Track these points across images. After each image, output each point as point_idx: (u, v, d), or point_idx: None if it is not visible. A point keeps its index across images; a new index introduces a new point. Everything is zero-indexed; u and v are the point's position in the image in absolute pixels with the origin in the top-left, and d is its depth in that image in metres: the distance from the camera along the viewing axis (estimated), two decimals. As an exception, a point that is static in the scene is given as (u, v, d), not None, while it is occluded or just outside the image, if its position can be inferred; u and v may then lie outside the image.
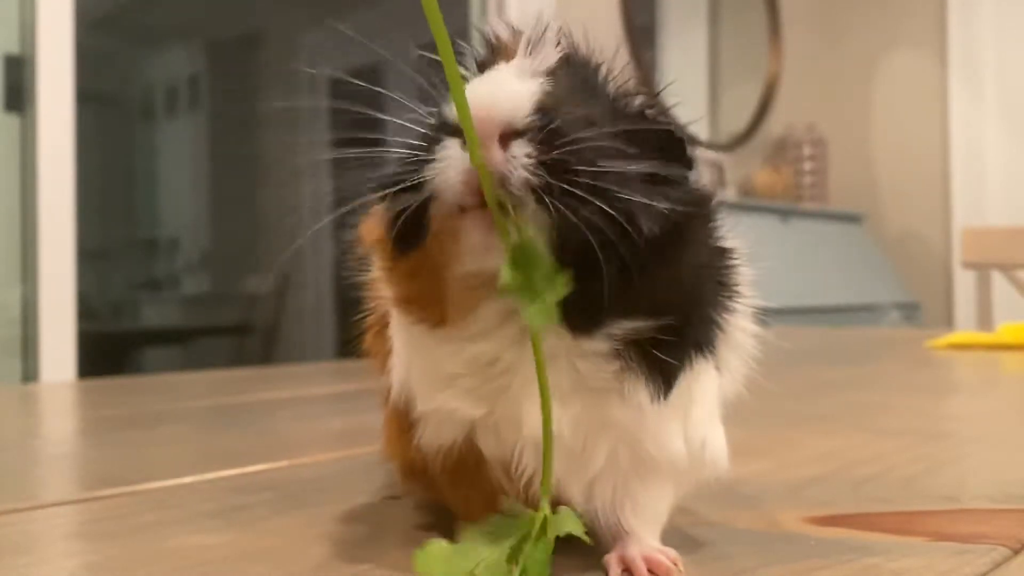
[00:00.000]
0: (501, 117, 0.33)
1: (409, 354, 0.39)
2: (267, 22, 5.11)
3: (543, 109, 0.34)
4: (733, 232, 0.40)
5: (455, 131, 0.34)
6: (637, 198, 0.33)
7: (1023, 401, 0.97)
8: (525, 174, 0.32)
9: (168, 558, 0.40)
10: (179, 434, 0.80)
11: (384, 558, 0.39)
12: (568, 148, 0.33)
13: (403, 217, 0.35)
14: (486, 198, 0.33)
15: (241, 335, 4.69)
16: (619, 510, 0.37)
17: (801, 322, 2.87)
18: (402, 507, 0.48)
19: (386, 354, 0.42)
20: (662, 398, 0.35)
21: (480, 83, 0.35)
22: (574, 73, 0.37)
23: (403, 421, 0.40)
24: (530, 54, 0.36)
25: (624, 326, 0.34)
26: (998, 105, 3.98)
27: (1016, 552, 0.39)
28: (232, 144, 5.17)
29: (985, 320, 2.23)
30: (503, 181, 0.33)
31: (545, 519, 0.33)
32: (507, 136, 0.33)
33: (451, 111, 0.34)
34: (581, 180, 0.32)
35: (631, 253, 0.33)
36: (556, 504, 0.37)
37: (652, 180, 0.34)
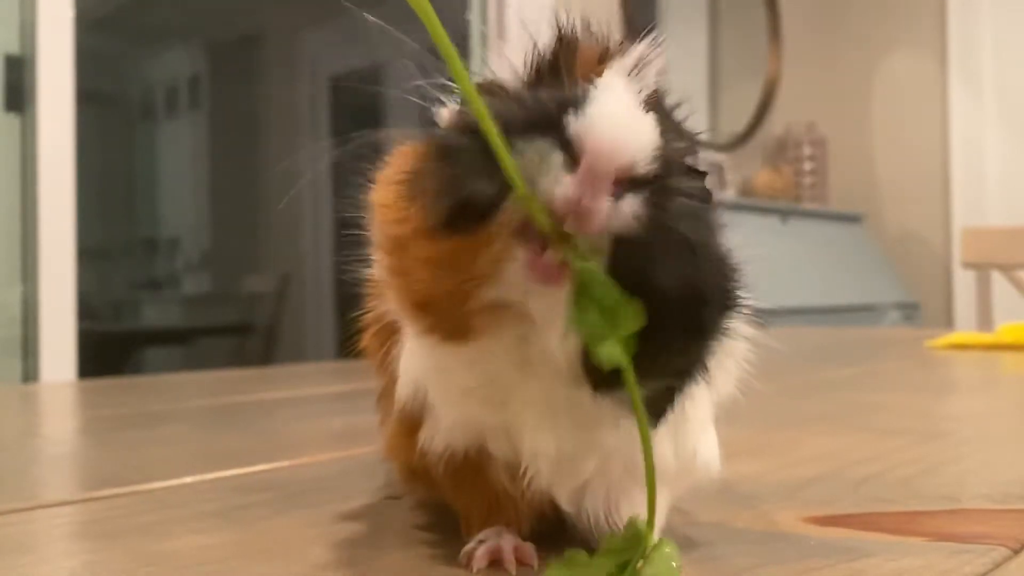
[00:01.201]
0: (624, 156, 0.28)
1: (422, 364, 0.37)
2: (267, 22, 5.11)
3: (666, 159, 0.30)
4: (738, 244, 0.39)
5: (561, 142, 0.29)
6: (721, 287, 0.31)
7: (1023, 401, 0.97)
8: (623, 223, 0.29)
9: (168, 558, 0.40)
10: (179, 434, 0.80)
11: (384, 558, 0.39)
12: (678, 211, 0.29)
13: (464, 188, 0.29)
14: (536, 219, 0.28)
15: (241, 335, 4.69)
16: (614, 512, 0.37)
17: (801, 322, 2.88)
18: (402, 507, 0.48)
19: (384, 353, 0.40)
20: (654, 427, 0.34)
21: (605, 102, 0.29)
22: (658, 106, 0.33)
23: (410, 424, 0.39)
24: (633, 75, 0.32)
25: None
26: (998, 105, 3.98)
27: (1016, 552, 0.39)
28: (232, 144, 5.17)
29: (985, 320, 2.23)
30: (591, 228, 0.28)
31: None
32: (622, 183, 0.29)
33: (570, 122, 0.29)
34: (678, 250, 0.29)
35: (677, 335, 0.30)
36: (550, 504, 0.37)
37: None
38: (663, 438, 0.36)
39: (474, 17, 3.02)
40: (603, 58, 0.33)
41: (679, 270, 0.29)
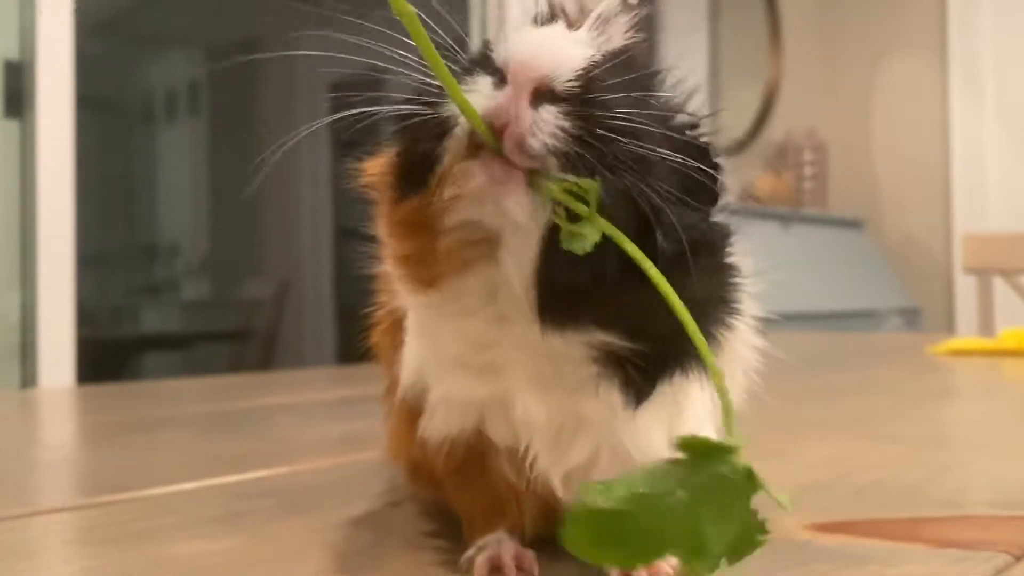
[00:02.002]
0: (542, 71, 0.31)
1: (419, 339, 0.38)
2: (266, 28, 5.12)
3: (589, 77, 0.32)
4: (740, 248, 0.39)
5: (492, 69, 0.32)
6: (668, 201, 0.31)
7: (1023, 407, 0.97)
8: (550, 141, 0.31)
9: (169, 564, 0.40)
10: (179, 440, 0.80)
11: (385, 564, 0.39)
12: (608, 124, 0.31)
13: (415, 152, 0.34)
14: (480, 133, 0.31)
15: (241, 340, 4.69)
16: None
17: (802, 328, 2.87)
18: (404, 513, 0.48)
19: (394, 349, 0.41)
20: (634, 407, 0.35)
21: (531, 32, 0.33)
22: (631, 64, 0.35)
23: (411, 414, 0.40)
24: (597, 29, 0.34)
25: (598, 337, 0.33)
26: (998, 110, 3.99)
27: (1017, 559, 0.39)
28: (232, 149, 5.18)
29: (986, 326, 2.23)
30: (521, 143, 0.31)
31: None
32: (541, 94, 0.31)
33: (498, 48, 0.32)
34: (611, 159, 0.31)
35: (633, 264, 0.31)
36: (551, 500, 0.37)
37: (684, 193, 0.33)
38: (656, 429, 0.36)
39: (474, 17, 3.03)
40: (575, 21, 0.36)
41: (614, 184, 0.31)
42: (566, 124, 0.31)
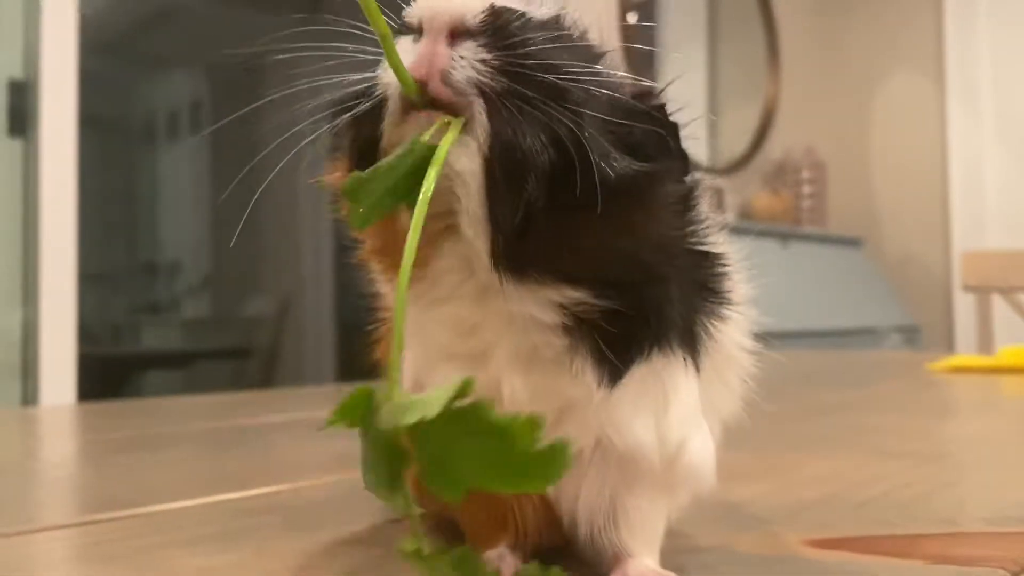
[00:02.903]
0: (451, 11, 0.32)
1: (411, 340, 0.37)
2: (269, 48, 5.14)
3: (499, 12, 0.32)
4: (724, 238, 0.38)
5: (410, 30, 0.33)
6: (598, 125, 0.31)
7: (1023, 424, 0.97)
8: (472, 73, 0.31)
9: (169, 581, 0.40)
10: (179, 457, 0.80)
11: (385, 581, 0.39)
12: (524, 51, 0.32)
13: (359, 133, 0.34)
14: (404, 88, 0.32)
15: (241, 358, 4.68)
16: (613, 529, 0.37)
17: (801, 345, 2.87)
18: (405, 529, 0.48)
19: None
20: (609, 385, 0.34)
21: None
22: (550, 31, 0.34)
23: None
24: None
25: (566, 294, 0.32)
26: (996, 128, 4.00)
27: None
28: (233, 168, 5.18)
29: (985, 343, 2.23)
30: (445, 78, 0.31)
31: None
32: (456, 34, 0.32)
33: (410, 10, 0.33)
34: (534, 88, 0.31)
35: (581, 193, 0.30)
36: (553, 511, 0.37)
37: (621, 121, 0.32)
38: (638, 417, 0.35)
39: None
40: None
41: (545, 107, 0.31)
42: (486, 56, 0.32)
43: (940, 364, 1.45)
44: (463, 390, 0.26)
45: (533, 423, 0.26)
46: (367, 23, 0.32)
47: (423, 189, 0.30)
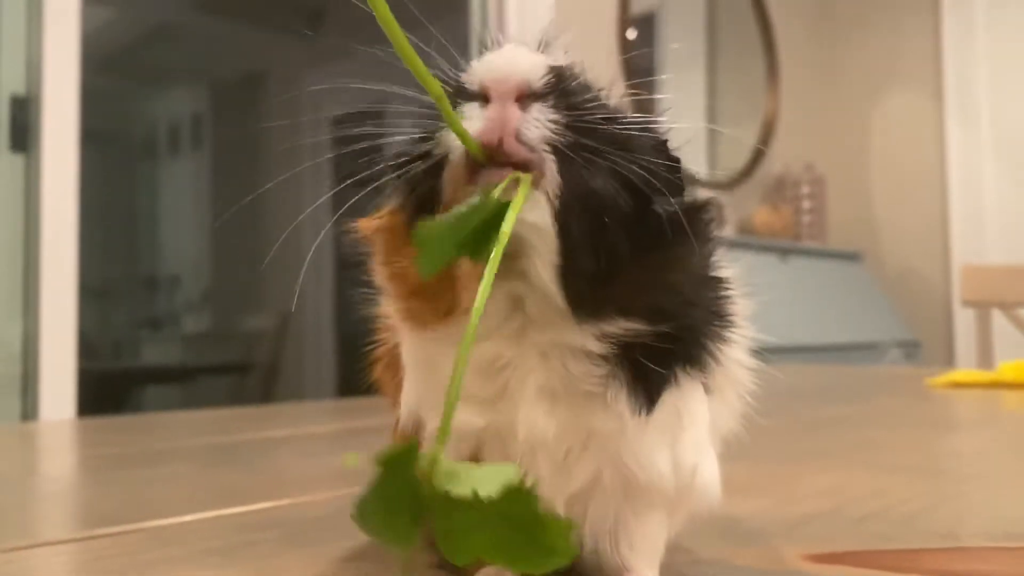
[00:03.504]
0: (519, 76, 0.33)
1: (418, 372, 0.38)
2: (270, 62, 5.17)
3: (560, 72, 0.34)
4: (727, 262, 0.39)
5: (472, 96, 0.34)
6: (657, 166, 0.33)
7: (1023, 439, 0.97)
8: (545, 132, 0.33)
9: (170, 596, 0.40)
10: (180, 472, 0.80)
11: (385, 595, 0.39)
12: (587, 107, 0.34)
13: (416, 188, 0.35)
14: (470, 150, 0.33)
15: (241, 373, 4.68)
16: (616, 546, 0.37)
17: (801, 360, 2.87)
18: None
19: (396, 385, 0.41)
20: (644, 412, 0.35)
21: (495, 52, 0.35)
22: (575, 78, 0.36)
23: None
24: (540, 49, 0.37)
25: (621, 324, 0.34)
26: (995, 143, 4.02)
27: (1016, 589, 0.39)
28: (234, 183, 5.20)
29: (985, 358, 2.23)
30: (519, 136, 0.33)
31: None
32: (525, 97, 0.33)
33: (469, 77, 0.34)
34: (601, 140, 0.33)
35: (643, 232, 0.33)
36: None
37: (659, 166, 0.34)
38: (660, 447, 0.36)
39: (474, 9, 3.05)
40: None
41: (613, 169, 0.33)
42: (556, 116, 0.33)
43: (940, 379, 1.45)
44: (515, 475, 0.27)
45: (568, 526, 0.27)
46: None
47: (497, 245, 0.31)
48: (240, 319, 4.97)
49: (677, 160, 0.36)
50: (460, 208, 0.32)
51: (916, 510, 0.55)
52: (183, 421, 1.31)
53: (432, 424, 0.37)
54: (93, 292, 3.91)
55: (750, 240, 3.71)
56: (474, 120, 0.33)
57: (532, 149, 0.33)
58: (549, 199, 0.33)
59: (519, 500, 0.27)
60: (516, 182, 0.32)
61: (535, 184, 0.33)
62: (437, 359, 0.36)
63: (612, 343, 0.34)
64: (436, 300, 0.35)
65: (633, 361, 0.34)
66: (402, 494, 0.28)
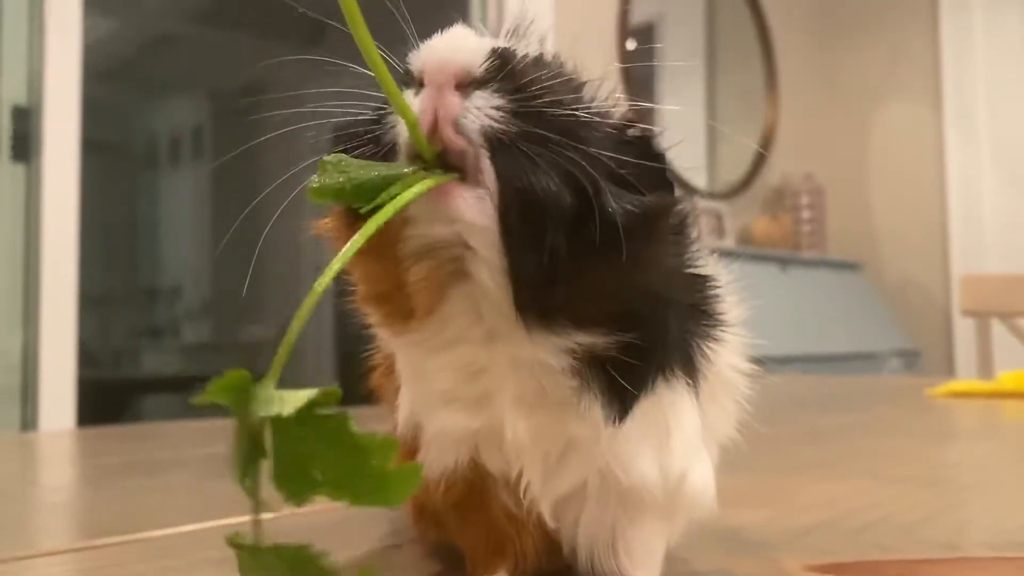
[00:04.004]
0: (458, 62, 0.32)
1: (409, 379, 0.38)
2: (270, 74, 5.18)
3: (503, 57, 0.32)
4: (713, 260, 0.39)
5: (411, 79, 0.32)
6: (604, 162, 0.31)
7: (1023, 449, 0.97)
8: (486, 121, 0.31)
9: (169, 606, 0.40)
10: (179, 482, 0.80)
11: (385, 606, 0.39)
12: (532, 95, 0.32)
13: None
14: (419, 149, 0.31)
15: (241, 383, 4.67)
16: (613, 556, 0.37)
17: (801, 370, 2.87)
18: (406, 555, 0.48)
19: (394, 392, 0.40)
20: (617, 421, 0.34)
21: (437, 36, 0.33)
22: (548, 61, 0.35)
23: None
24: (506, 37, 0.35)
25: (579, 339, 0.32)
26: (994, 153, 4.02)
27: (1016, 600, 0.39)
28: (234, 194, 5.21)
29: (985, 368, 2.23)
30: (458, 128, 0.31)
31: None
32: (465, 84, 0.32)
33: (413, 61, 0.33)
34: (547, 128, 0.31)
35: (593, 233, 0.30)
36: (552, 536, 0.37)
37: (621, 160, 0.32)
38: (643, 452, 0.35)
39: (474, 20, 3.07)
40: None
41: (557, 162, 0.31)
42: (499, 102, 0.31)
43: (940, 389, 1.44)
44: (327, 397, 0.27)
45: (388, 442, 0.26)
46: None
47: (378, 214, 0.30)
48: (240, 329, 4.96)
49: (652, 149, 0.34)
50: (381, 164, 0.31)
51: (916, 520, 0.55)
52: (183, 431, 1.30)
53: (429, 429, 0.37)
54: (93, 301, 3.90)
55: (750, 250, 3.71)
56: (413, 107, 0.32)
57: (469, 141, 0.31)
58: (492, 196, 0.31)
59: (333, 424, 0.27)
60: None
61: (479, 181, 0.31)
62: (418, 364, 0.36)
63: (577, 357, 0.33)
64: (397, 304, 0.34)
65: (603, 371, 0.33)
66: (243, 429, 0.28)
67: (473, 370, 0.34)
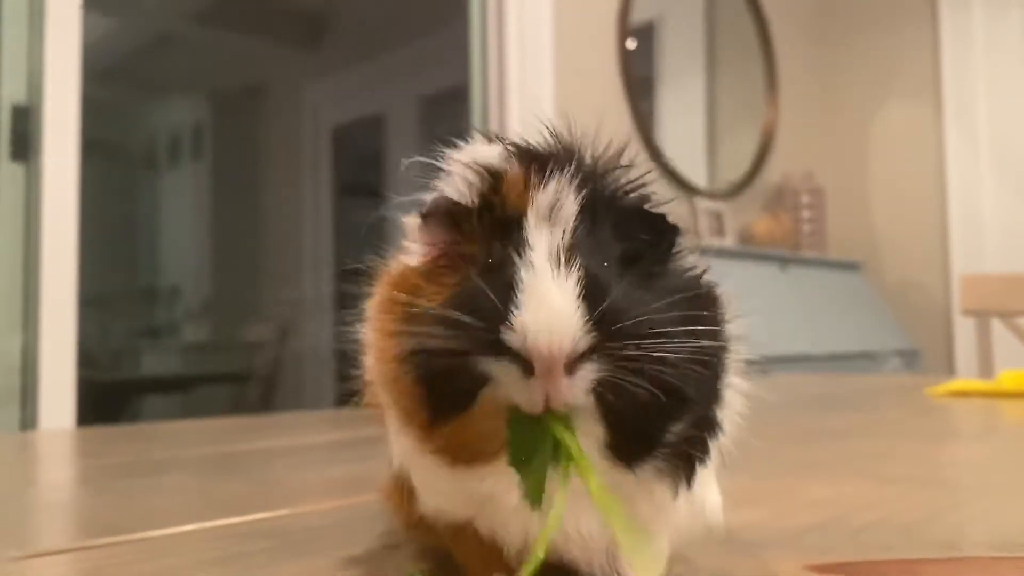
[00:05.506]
0: (565, 350, 0.32)
1: (406, 461, 0.39)
2: (270, 74, 5.18)
3: (602, 323, 0.33)
4: (724, 281, 0.39)
5: (514, 356, 0.33)
6: (689, 373, 0.34)
7: (1023, 448, 0.97)
8: (591, 386, 0.33)
9: (168, 606, 0.40)
10: (179, 482, 0.80)
11: (384, 606, 0.39)
12: (631, 356, 0.33)
13: (444, 388, 0.34)
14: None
15: (241, 383, 4.68)
16: (614, 561, 0.37)
17: (800, 370, 2.87)
18: (403, 555, 0.48)
19: (387, 415, 0.41)
20: (687, 490, 0.37)
21: (533, 309, 0.33)
22: (584, 203, 0.36)
23: (403, 487, 0.41)
24: (549, 219, 0.36)
25: (658, 464, 0.36)
26: (993, 153, 4.02)
27: (1016, 600, 0.39)
28: (234, 193, 5.21)
29: (985, 367, 2.23)
30: (568, 404, 0.33)
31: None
32: (572, 364, 0.33)
33: (509, 335, 0.33)
34: (645, 360, 0.33)
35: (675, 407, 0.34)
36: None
37: (688, 330, 0.35)
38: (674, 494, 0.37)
39: (474, 20, 3.06)
40: (526, 186, 0.36)
41: (651, 387, 0.33)
42: (605, 367, 0.33)
43: (939, 388, 1.44)
44: None
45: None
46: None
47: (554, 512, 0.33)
48: (240, 329, 4.97)
49: (672, 228, 0.38)
50: (530, 454, 0.34)
51: (916, 520, 0.55)
52: (182, 431, 1.31)
53: (422, 503, 0.39)
54: (93, 302, 3.91)
55: (750, 249, 3.71)
56: (514, 384, 0.33)
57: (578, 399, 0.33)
58: (599, 419, 0.34)
59: None
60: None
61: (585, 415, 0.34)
62: (425, 470, 0.37)
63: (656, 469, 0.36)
64: (457, 452, 0.36)
65: (678, 455, 0.36)
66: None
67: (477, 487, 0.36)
